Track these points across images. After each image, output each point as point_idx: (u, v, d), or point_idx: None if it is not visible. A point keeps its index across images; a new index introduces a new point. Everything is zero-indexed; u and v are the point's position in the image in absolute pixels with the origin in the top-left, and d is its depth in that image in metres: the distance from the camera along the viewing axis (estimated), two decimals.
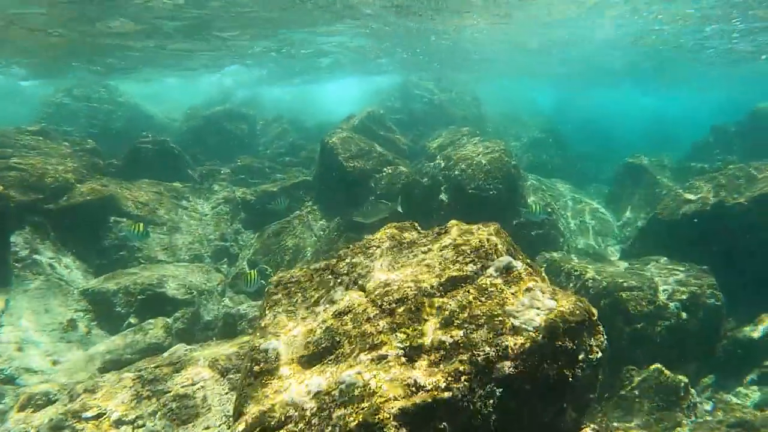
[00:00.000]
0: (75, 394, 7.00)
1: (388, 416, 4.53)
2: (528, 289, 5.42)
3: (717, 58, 26.78)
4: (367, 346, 5.14)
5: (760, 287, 11.61)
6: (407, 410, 4.54)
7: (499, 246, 5.95)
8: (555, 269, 12.14)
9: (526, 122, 25.30)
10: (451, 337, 4.98)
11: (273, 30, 18.68)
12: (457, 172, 13.90)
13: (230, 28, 18.02)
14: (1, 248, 11.66)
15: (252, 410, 4.99)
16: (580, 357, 5.31)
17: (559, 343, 5.07)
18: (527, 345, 4.89)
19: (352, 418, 4.46)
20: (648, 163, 18.27)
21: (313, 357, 5.34)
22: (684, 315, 10.51)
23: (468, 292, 5.44)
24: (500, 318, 5.11)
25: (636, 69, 32.49)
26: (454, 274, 5.63)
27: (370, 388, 4.73)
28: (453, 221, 6.64)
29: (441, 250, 6.01)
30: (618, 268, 11.68)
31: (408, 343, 5.03)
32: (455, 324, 5.11)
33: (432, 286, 5.57)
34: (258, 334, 5.77)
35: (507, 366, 4.81)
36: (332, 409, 4.68)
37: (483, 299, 5.34)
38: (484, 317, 5.13)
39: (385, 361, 4.97)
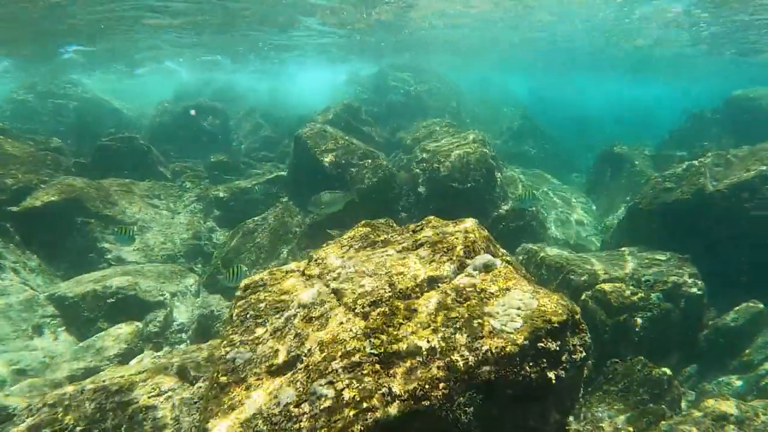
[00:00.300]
0: (35, 408, 6.62)
1: (362, 429, 4.25)
2: (508, 289, 5.16)
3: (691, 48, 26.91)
4: (340, 353, 4.84)
5: (741, 275, 11.56)
6: (382, 422, 4.27)
7: (478, 243, 5.69)
8: (535, 261, 11.95)
9: (505, 113, 25.13)
10: (428, 341, 4.71)
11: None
12: (434, 165, 13.63)
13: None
14: None
15: (217, 425, 4.67)
16: (564, 358, 5.09)
17: (542, 344, 4.83)
18: (508, 348, 4.64)
19: None
20: (627, 152, 18.19)
21: (284, 366, 5.03)
22: (666, 305, 10.39)
23: (445, 293, 5.16)
24: (479, 320, 4.85)
25: (612, 58, 32.53)
26: (431, 274, 5.35)
27: (342, 399, 4.44)
28: (429, 217, 6.36)
29: (416, 249, 5.73)
30: (599, 260, 11.52)
31: (383, 350, 4.75)
32: (432, 328, 4.84)
33: (408, 288, 5.29)
34: (225, 342, 5.44)
35: (487, 371, 4.56)
36: (303, 423, 4.39)
37: (461, 300, 5.07)
38: (462, 319, 4.86)
39: (358, 369, 4.68)
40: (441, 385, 4.44)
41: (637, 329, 10.13)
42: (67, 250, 12.74)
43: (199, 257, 14.04)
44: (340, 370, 4.70)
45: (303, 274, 6.03)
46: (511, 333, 4.75)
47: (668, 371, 9.29)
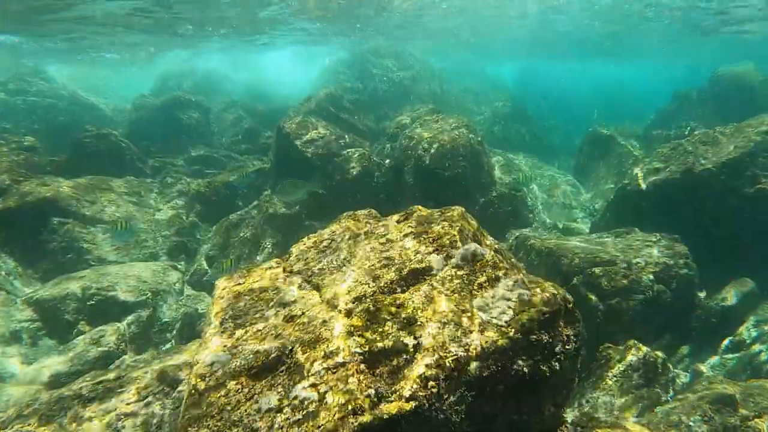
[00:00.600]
0: (8, 419, 6.32)
1: None
2: (497, 279, 4.93)
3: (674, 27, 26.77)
4: (323, 353, 4.60)
5: (731, 253, 11.46)
6: (369, 425, 4.04)
7: (465, 232, 5.45)
8: (525, 247, 11.77)
9: (491, 97, 24.84)
10: (415, 338, 4.47)
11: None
12: (420, 152, 13.37)
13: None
14: None
15: None
16: (557, 349, 4.88)
17: (534, 337, 4.62)
18: (499, 342, 4.42)
19: None
20: (614, 133, 18.01)
21: (264, 368, 4.78)
22: (658, 287, 10.27)
23: (431, 285, 4.93)
24: (468, 313, 4.62)
25: (597, 39, 32.33)
26: (416, 266, 5.11)
27: (326, 403, 4.20)
28: (413, 207, 6.11)
29: (401, 240, 5.47)
30: (589, 243, 11.35)
31: (367, 348, 4.51)
32: (419, 323, 4.61)
33: (392, 281, 5.05)
34: (202, 345, 5.18)
35: (478, 367, 4.34)
36: (285, 430, 4.15)
37: (448, 293, 4.83)
38: (450, 313, 4.63)
39: (342, 369, 4.44)
40: (430, 383, 4.21)
41: (629, 312, 9.99)
42: (45, 252, 12.38)
43: (183, 254, 13.72)
44: (323, 372, 4.46)
45: (284, 270, 5.76)
46: (502, 326, 4.52)
47: (662, 354, 9.16)
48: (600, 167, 17.55)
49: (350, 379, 4.36)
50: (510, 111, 23.64)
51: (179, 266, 13.40)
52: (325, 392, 4.26)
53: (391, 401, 4.13)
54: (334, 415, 4.10)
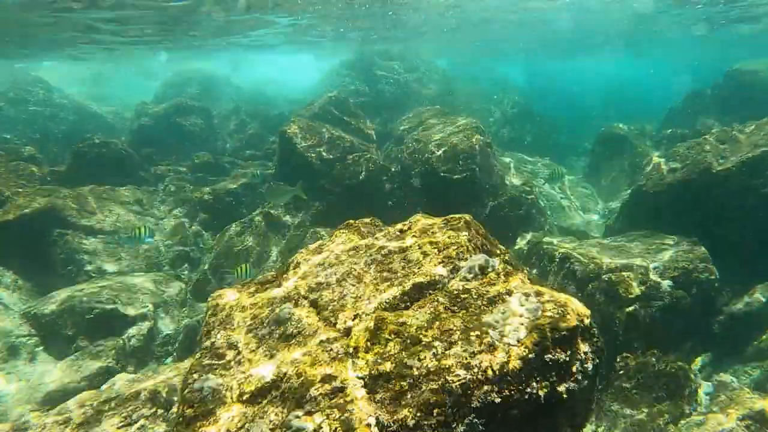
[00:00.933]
0: None
1: None
2: (508, 292, 4.54)
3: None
4: (319, 377, 4.23)
5: (753, 256, 10.96)
6: None
7: (473, 241, 5.06)
8: (537, 252, 11.35)
9: (499, 98, 24.42)
10: (419, 360, 4.09)
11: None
12: (427, 155, 12.98)
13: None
14: None
15: None
16: (575, 368, 4.47)
17: (550, 356, 4.21)
18: (511, 363, 4.02)
19: None
20: (627, 132, 17.51)
21: (257, 394, 4.42)
22: (678, 293, 9.79)
23: (437, 301, 4.54)
24: (477, 332, 4.23)
25: (607, 37, 31.82)
26: (420, 279, 4.73)
27: None
28: (417, 216, 5.73)
29: (403, 252, 5.10)
30: (604, 247, 10.92)
31: (367, 371, 4.13)
32: (423, 343, 4.22)
33: (394, 297, 4.67)
34: (193, 367, 4.83)
35: (488, 391, 3.94)
36: None
37: (455, 309, 4.45)
38: (458, 332, 4.25)
39: (340, 395, 4.07)
40: (435, 411, 3.83)
41: (648, 320, 9.53)
42: (45, 265, 12.11)
43: (186, 263, 13.41)
44: (319, 398, 4.09)
45: (279, 285, 5.40)
46: (514, 345, 4.13)
47: (684, 365, 8.71)
48: (613, 168, 17.06)
49: (349, 407, 3.98)
50: (520, 112, 23.20)
51: (182, 276, 13.10)
52: (321, 422, 3.89)
53: (394, 431, 3.75)
54: None
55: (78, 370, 9.46)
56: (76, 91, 21.80)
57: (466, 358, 4.06)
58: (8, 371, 9.71)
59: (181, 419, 4.44)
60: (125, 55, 25.27)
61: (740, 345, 10.29)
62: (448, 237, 5.04)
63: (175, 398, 6.21)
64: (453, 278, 4.73)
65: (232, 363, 4.71)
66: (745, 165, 11.20)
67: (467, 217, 5.35)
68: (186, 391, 4.62)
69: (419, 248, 5.04)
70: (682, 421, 7.74)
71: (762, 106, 15.65)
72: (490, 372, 3.98)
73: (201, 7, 16.17)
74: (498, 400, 3.98)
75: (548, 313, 4.35)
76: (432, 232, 5.21)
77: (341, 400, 4.03)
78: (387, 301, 4.63)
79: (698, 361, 10.30)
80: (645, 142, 17.10)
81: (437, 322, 4.35)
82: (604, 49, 38.75)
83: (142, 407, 6.14)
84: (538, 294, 4.56)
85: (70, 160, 14.74)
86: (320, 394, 4.10)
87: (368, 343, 4.30)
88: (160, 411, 6.08)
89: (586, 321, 4.67)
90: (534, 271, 11.33)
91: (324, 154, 13.20)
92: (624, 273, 9.71)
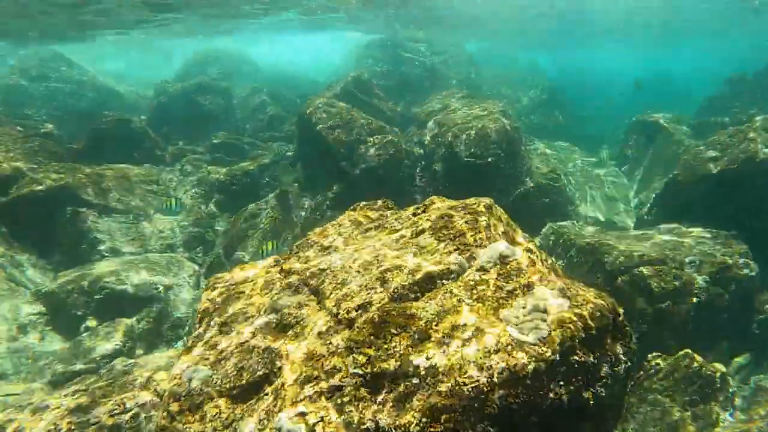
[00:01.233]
0: None
1: None
2: (530, 285, 4.05)
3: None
4: (315, 373, 3.80)
5: None
6: None
7: (492, 228, 4.56)
8: (564, 243, 10.76)
9: (527, 84, 23.62)
10: (427, 358, 3.64)
11: None
12: (450, 139, 12.42)
13: None
14: None
15: None
16: (603, 372, 3.99)
17: (575, 358, 3.73)
18: (531, 365, 3.54)
19: None
20: (662, 120, 16.65)
21: (248, 388, 4.02)
22: (714, 290, 9.15)
23: (450, 293, 4.07)
24: (494, 329, 3.75)
25: (637, 23, 30.66)
26: (432, 268, 4.25)
27: None
28: (433, 197, 5.25)
29: (416, 237, 4.62)
30: (636, 239, 10.29)
31: (369, 369, 3.69)
32: (433, 339, 3.76)
33: (403, 287, 4.21)
34: (181, 358, 4.44)
35: (504, 396, 3.47)
36: None
37: (470, 302, 3.97)
38: (472, 328, 3.77)
39: (338, 394, 3.64)
40: (443, 417, 3.38)
41: (681, 317, 8.91)
42: (58, 243, 11.93)
43: (200, 245, 13.13)
44: (315, 396, 3.67)
45: (281, 270, 4.98)
46: (535, 344, 3.64)
47: (721, 367, 8.09)
48: (646, 156, 16.25)
49: (347, 408, 3.56)
50: (549, 99, 22.39)
51: (196, 258, 12.82)
52: (315, 424, 3.47)
53: None
54: None
55: (84, 353, 9.22)
56: (99, 70, 21.63)
57: (481, 358, 3.59)
58: (17, 350, 9.53)
59: (165, 413, 4.07)
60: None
61: None
62: (466, 222, 4.55)
63: None
64: (469, 268, 4.25)
65: (224, 354, 4.31)
66: None
67: (487, 200, 4.85)
68: (173, 383, 4.25)
69: (433, 234, 4.56)
70: (717, 429, 7.16)
71: None
72: (507, 374, 3.51)
73: None
74: (515, 404, 3.51)
75: (576, 310, 3.85)
76: (448, 217, 4.72)
77: (338, 400, 3.60)
78: (395, 290, 4.17)
79: (735, 363, 9.68)
80: (681, 130, 16.25)
81: (449, 317, 3.88)
82: (639, 35, 37.45)
83: (137, 395, 5.81)
84: (564, 288, 4.06)
85: (87, 138, 14.53)
86: (316, 392, 3.68)
87: (371, 338, 3.85)
88: (155, 399, 5.74)
89: (619, 319, 4.16)
90: (560, 262, 10.76)
91: (344, 135, 12.73)
92: (657, 267, 9.08)
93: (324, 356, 3.88)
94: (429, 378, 3.55)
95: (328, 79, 17.14)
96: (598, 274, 9.57)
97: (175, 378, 4.24)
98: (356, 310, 4.14)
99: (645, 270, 9.05)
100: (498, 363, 3.54)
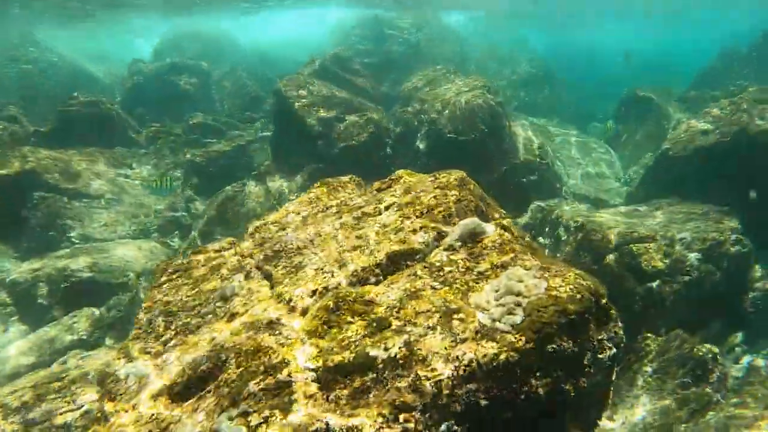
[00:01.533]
0: None
1: None
2: (504, 266, 3.63)
3: None
4: (263, 367, 3.38)
5: None
6: None
7: (464, 203, 4.12)
8: (551, 221, 10.38)
9: (516, 61, 23.07)
10: (386, 349, 3.22)
11: None
12: (433, 115, 11.95)
13: None
14: None
15: None
16: (586, 360, 3.59)
17: (554, 346, 3.32)
18: (503, 356, 3.13)
19: None
20: (653, 94, 16.21)
21: (190, 386, 3.60)
22: (706, 267, 8.81)
23: (414, 275, 3.64)
24: (461, 314, 3.34)
25: None
26: (396, 248, 3.82)
27: None
28: (400, 171, 4.81)
29: (379, 214, 4.18)
30: (625, 216, 9.92)
31: (321, 362, 3.27)
32: (393, 327, 3.34)
33: (364, 269, 3.78)
34: (121, 351, 4.01)
35: (472, 391, 3.07)
36: None
37: (436, 286, 3.55)
38: (438, 314, 3.36)
39: (286, 391, 3.22)
40: (402, 416, 2.97)
41: (672, 296, 8.57)
42: (25, 230, 11.41)
43: (176, 230, 12.64)
44: (260, 394, 3.24)
45: (236, 253, 4.54)
46: (508, 332, 3.23)
47: (713, 348, 7.75)
48: (637, 132, 15.83)
49: (296, 407, 3.14)
50: (538, 75, 21.85)
51: (171, 243, 12.35)
52: (258, 426, 3.05)
53: None
54: None
55: (48, 343, 8.78)
56: (71, 50, 20.82)
57: (446, 349, 3.18)
58: None
59: (99, 413, 3.66)
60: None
61: None
62: (434, 197, 4.11)
63: None
64: (436, 247, 3.82)
65: (166, 346, 3.88)
66: None
67: (459, 173, 4.41)
68: (109, 379, 3.82)
69: (398, 210, 4.11)
70: (711, 413, 6.83)
71: None
72: (475, 366, 3.10)
73: None
74: (484, 400, 3.10)
75: (554, 293, 3.43)
76: (416, 191, 4.28)
77: (286, 398, 3.18)
78: (354, 273, 3.75)
79: (728, 342, 9.38)
80: (672, 104, 15.83)
81: (413, 302, 3.46)
82: (633, 8, 36.85)
83: (89, 390, 5.38)
84: (542, 268, 3.64)
85: (55, 121, 13.93)
86: (261, 389, 3.26)
87: (325, 326, 3.43)
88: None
89: (602, 302, 3.75)
90: (547, 241, 10.39)
91: (322, 113, 12.22)
92: (646, 244, 8.72)
93: (272, 348, 3.46)
94: (387, 372, 3.14)
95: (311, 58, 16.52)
96: (585, 253, 9.20)
97: (110, 376, 3.82)
98: (310, 296, 3.71)
99: (634, 248, 8.70)
100: (465, 354, 3.13)
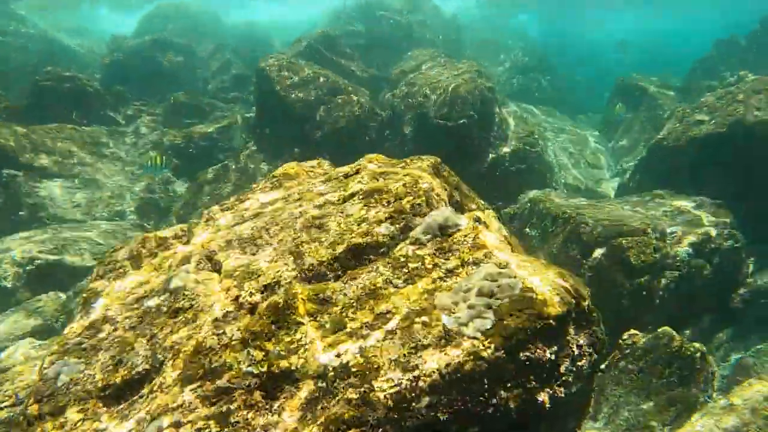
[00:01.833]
0: None
1: None
2: (476, 263, 3.26)
3: None
4: (201, 372, 3.02)
5: None
6: None
7: (435, 192, 3.74)
8: (539, 212, 10.03)
9: (511, 47, 22.58)
10: (338, 355, 2.86)
11: None
12: (420, 99, 11.53)
13: None
14: None
15: None
16: (564, 368, 3.25)
17: (528, 353, 2.98)
18: (469, 364, 2.79)
19: None
20: (647, 83, 15.83)
21: (124, 388, 3.24)
22: (697, 262, 8.52)
23: (376, 271, 3.27)
24: (425, 317, 2.98)
25: None
26: (358, 240, 3.45)
27: None
28: (370, 156, 4.43)
29: (343, 203, 3.80)
30: (615, 208, 9.58)
31: (265, 368, 2.92)
32: (348, 330, 2.98)
33: (321, 263, 3.41)
34: (54, 348, 3.63)
35: (433, 403, 2.72)
36: None
37: (399, 283, 3.19)
38: (398, 316, 3.00)
39: (225, 399, 2.87)
40: None
41: (661, 292, 8.27)
42: None
43: (154, 212, 12.21)
44: (196, 403, 2.89)
45: (188, 242, 4.15)
46: (476, 338, 2.88)
47: (701, 347, 7.43)
48: (630, 121, 15.46)
49: (233, 417, 2.79)
50: (533, 62, 21.39)
51: (148, 226, 11.91)
52: None
53: None
54: None
55: (11, 330, 8.38)
56: (50, 24, 20.09)
57: (406, 356, 2.83)
58: None
59: (21, 417, 3.29)
60: None
61: (765, 323, 9.07)
62: (403, 185, 3.73)
63: None
64: (402, 240, 3.45)
65: (103, 345, 3.51)
66: None
67: (432, 159, 4.03)
68: (40, 380, 3.46)
69: (363, 198, 3.73)
70: (696, 414, 6.54)
71: None
72: (437, 376, 2.76)
73: None
74: (447, 416, 2.76)
75: (529, 294, 3.08)
76: (384, 178, 3.90)
77: (224, 408, 2.83)
78: (310, 268, 3.37)
79: (716, 338, 9.14)
80: (667, 93, 15.46)
81: (371, 302, 3.10)
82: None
83: (33, 383, 5.00)
84: (519, 266, 3.28)
85: (29, 96, 13.39)
86: (197, 397, 2.91)
87: (273, 327, 3.06)
88: None
89: (583, 303, 3.40)
90: (534, 232, 10.04)
91: (305, 95, 11.76)
92: (636, 238, 8.39)
93: (215, 350, 3.10)
94: (338, 380, 2.79)
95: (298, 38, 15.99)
96: (573, 246, 8.86)
97: (41, 374, 3.45)
98: (261, 292, 3.34)
99: (624, 241, 8.35)
100: (426, 363, 2.78)
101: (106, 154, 12.91)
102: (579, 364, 3.35)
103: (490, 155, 11.52)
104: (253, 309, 3.27)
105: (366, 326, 2.98)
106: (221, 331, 3.18)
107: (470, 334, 2.90)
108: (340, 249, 3.42)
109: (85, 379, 3.32)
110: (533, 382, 3.04)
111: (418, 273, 3.23)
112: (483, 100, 11.33)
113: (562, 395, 3.21)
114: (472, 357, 2.80)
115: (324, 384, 2.79)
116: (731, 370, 8.79)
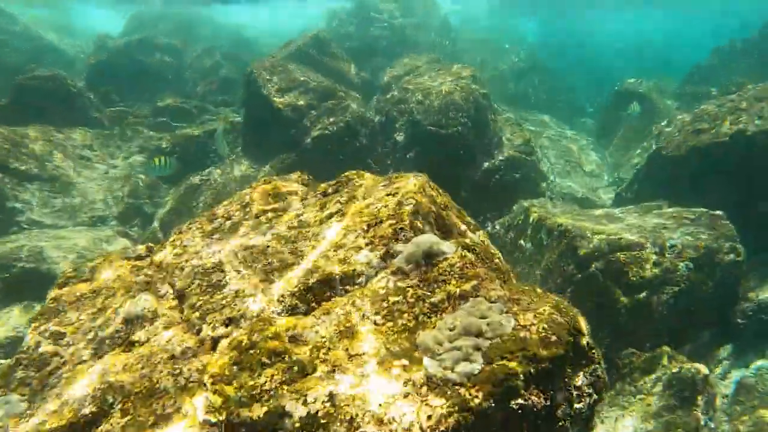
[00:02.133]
0: None
1: None
2: (463, 296, 2.93)
3: None
4: (153, 418, 2.68)
5: None
6: None
7: (420, 214, 3.40)
8: (533, 224, 9.70)
9: (507, 51, 22.27)
10: (305, 403, 2.52)
11: None
12: (413, 105, 11.20)
13: None
14: None
15: None
16: (560, 412, 2.92)
17: (520, 401, 2.64)
18: (453, 417, 2.45)
19: None
20: (646, 89, 15.55)
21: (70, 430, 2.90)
22: (697, 277, 8.20)
23: (352, 305, 2.93)
24: (405, 360, 2.65)
25: None
26: (331, 269, 3.10)
27: None
28: (352, 173, 4.08)
29: (319, 225, 3.46)
30: (613, 220, 9.28)
31: (224, 416, 2.57)
32: (318, 374, 2.64)
33: (292, 294, 3.06)
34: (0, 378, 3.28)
35: None
36: None
37: (378, 320, 2.85)
38: (375, 358, 2.66)
39: None
40: None
41: (660, 308, 7.96)
42: None
43: (137, 218, 11.84)
44: None
45: (151, 263, 3.80)
46: (461, 385, 2.55)
47: (703, 368, 7.12)
48: (628, 129, 15.18)
49: None
50: (529, 67, 21.10)
51: (131, 233, 11.55)
52: None
53: None
54: None
55: None
56: (36, 21, 19.62)
57: (381, 406, 2.48)
58: None
59: None
60: None
61: (765, 337, 8.79)
62: (386, 206, 3.39)
63: None
64: (383, 269, 3.11)
65: (51, 377, 3.16)
66: None
67: (420, 178, 3.69)
68: None
69: (341, 221, 3.39)
70: None
71: None
72: (417, 431, 2.41)
73: None
74: None
75: (523, 333, 2.75)
76: (365, 198, 3.56)
77: None
78: (280, 299, 3.03)
79: (717, 354, 8.83)
80: (666, 100, 15.20)
81: (346, 341, 2.76)
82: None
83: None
84: (511, 301, 2.95)
85: (10, 95, 12.99)
86: None
87: (234, 368, 2.72)
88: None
89: (582, 341, 3.08)
90: (529, 245, 9.72)
91: (294, 99, 11.41)
92: (634, 252, 8.07)
93: (168, 392, 2.75)
94: None
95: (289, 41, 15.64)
96: (569, 260, 8.53)
97: None
98: (225, 326, 3.00)
99: (621, 255, 8.02)
100: (405, 415, 2.44)
101: (90, 157, 12.53)
102: (577, 407, 3.04)
103: (485, 163, 11.20)
104: (215, 344, 2.93)
105: (338, 370, 2.64)
106: (178, 371, 2.84)
107: (456, 381, 2.56)
108: (313, 279, 3.07)
109: (29, 417, 2.97)
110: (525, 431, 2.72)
111: (399, 308, 2.89)
112: (477, 106, 11.02)
113: None
114: (457, 408, 2.46)
115: None
116: (733, 390, 8.48)
